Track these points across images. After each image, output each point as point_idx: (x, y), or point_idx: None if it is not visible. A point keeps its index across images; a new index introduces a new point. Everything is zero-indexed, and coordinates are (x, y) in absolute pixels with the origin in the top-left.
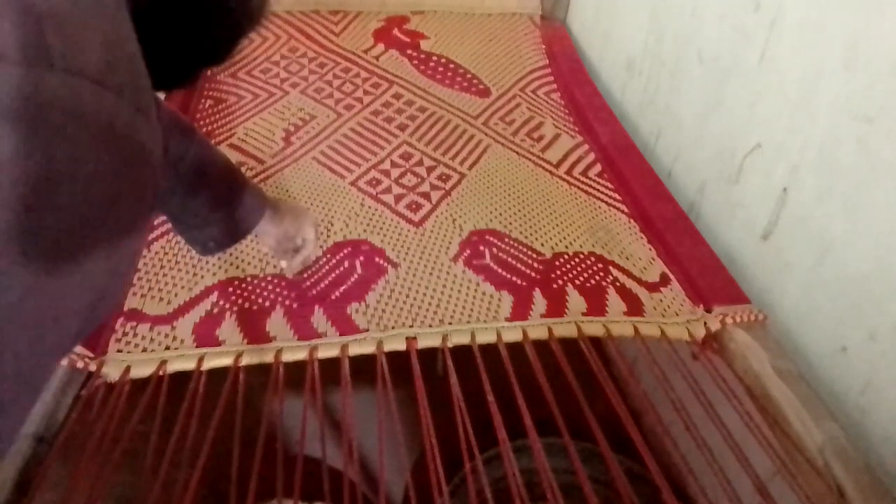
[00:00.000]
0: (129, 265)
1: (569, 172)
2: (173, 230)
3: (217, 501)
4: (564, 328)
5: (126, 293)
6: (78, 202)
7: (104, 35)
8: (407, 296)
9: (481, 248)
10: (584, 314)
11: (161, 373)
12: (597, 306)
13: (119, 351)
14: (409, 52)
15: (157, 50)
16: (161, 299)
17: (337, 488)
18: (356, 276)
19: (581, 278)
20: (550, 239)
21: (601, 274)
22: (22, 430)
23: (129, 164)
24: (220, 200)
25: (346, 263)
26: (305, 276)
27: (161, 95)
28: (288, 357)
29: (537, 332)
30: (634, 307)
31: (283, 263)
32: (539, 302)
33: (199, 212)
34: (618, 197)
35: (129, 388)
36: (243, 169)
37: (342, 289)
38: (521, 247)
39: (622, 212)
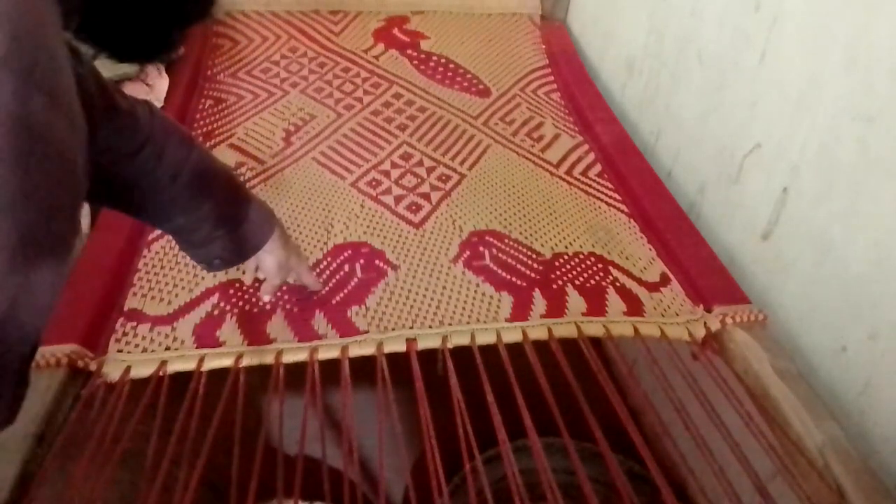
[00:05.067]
0: (48, 295)
1: (569, 172)
2: (179, 247)
3: (217, 501)
4: (564, 328)
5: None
6: None
7: (9, 19)
8: (407, 297)
9: (481, 248)
10: (583, 314)
11: (161, 373)
12: (597, 306)
13: (119, 351)
14: (409, 52)
15: (133, 14)
16: (161, 300)
17: (337, 488)
18: (356, 279)
19: (581, 278)
20: (550, 239)
21: (601, 274)
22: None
23: (39, 157)
24: (223, 216)
25: (347, 267)
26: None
27: (160, 95)
28: (288, 358)
29: (537, 332)
30: (634, 307)
31: (267, 297)
32: (539, 302)
33: (202, 227)
34: (618, 197)
35: (129, 388)
36: (243, 169)
37: (343, 293)
38: (520, 247)
39: (622, 212)
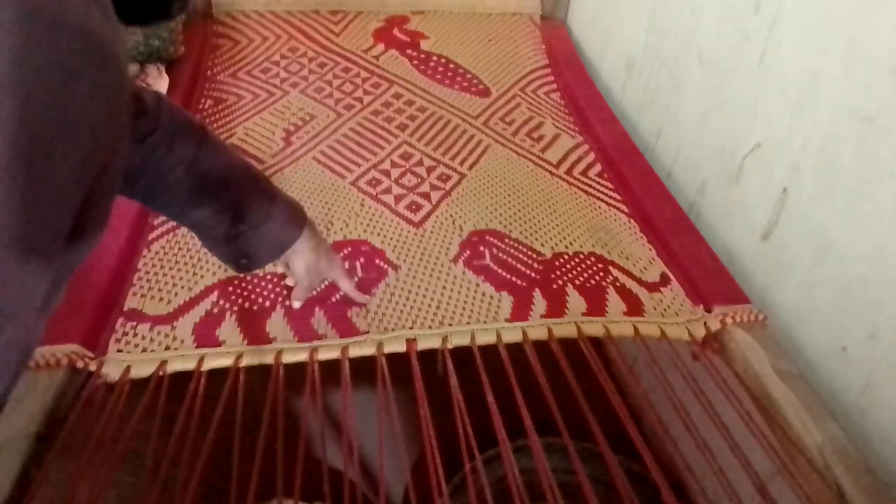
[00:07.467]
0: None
1: (569, 172)
2: (204, 247)
3: (217, 501)
4: (564, 328)
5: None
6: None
7: None
8: (407, 297)
9: (481, 248)
10: (583, 314)
11: (161, 373)
12: (597, 306)
13: (119, 351)
14: (409, 52)
15: None
16: (161, 299)
17: (337, 488)
18: (357, 278)
19: (581, 278)
20: (550, 239)
21: (601, 274)
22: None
23: (90, 60)
24: (244, 210)
25: (346, 265)
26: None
27: (163, 86)
28: (288, 358)
29: (537, 332)
30: (634, 307)
31: (297, 304)
32: (539, 302)
33: (222, 222)
34: (618, 197)
35: (129, 388)
36: None
37: (342, 292)
38: (520, 247)
39: (622, 212)
